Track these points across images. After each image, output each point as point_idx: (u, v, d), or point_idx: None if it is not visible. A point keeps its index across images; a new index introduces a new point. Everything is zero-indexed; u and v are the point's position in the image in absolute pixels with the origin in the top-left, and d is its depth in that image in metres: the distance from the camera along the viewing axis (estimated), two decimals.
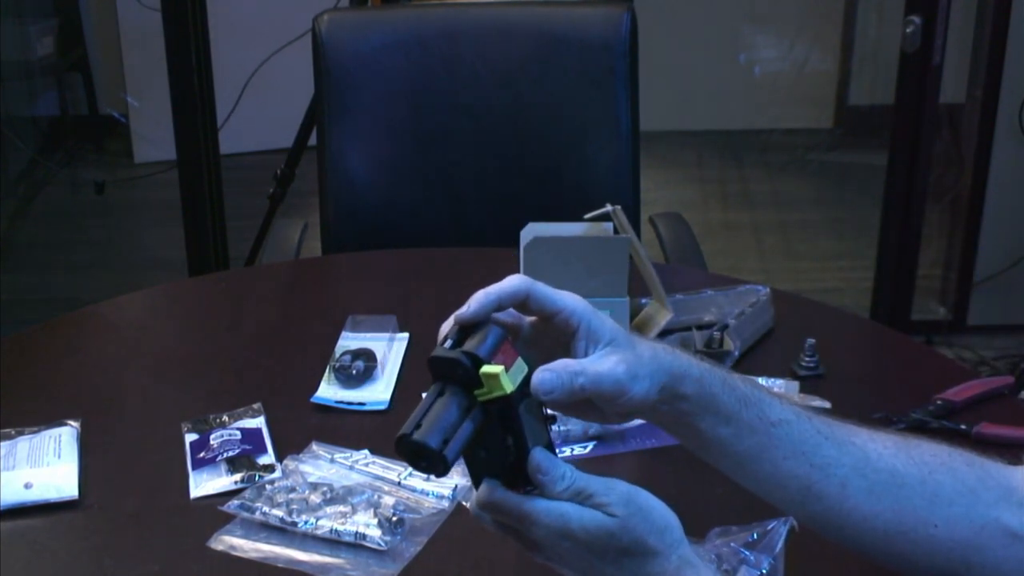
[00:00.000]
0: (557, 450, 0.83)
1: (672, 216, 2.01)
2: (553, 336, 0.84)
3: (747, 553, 0.81)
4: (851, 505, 0.86)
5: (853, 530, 0.87)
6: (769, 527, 0.81)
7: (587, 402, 0.84)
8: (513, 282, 0.83)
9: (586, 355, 0.83)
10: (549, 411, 0.83)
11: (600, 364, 0.82)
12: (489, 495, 0.80)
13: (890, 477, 0.86)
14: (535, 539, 0.79)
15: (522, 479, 0.80)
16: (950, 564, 0.86)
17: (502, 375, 0.78)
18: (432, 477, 1.11)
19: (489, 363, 0.78)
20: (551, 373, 0.80)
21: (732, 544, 0.82)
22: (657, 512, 0.79)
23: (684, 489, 1.12)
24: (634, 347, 0.84)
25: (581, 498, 0.78)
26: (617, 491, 0.78)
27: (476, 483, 0.81)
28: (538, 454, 0.79)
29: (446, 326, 0.82)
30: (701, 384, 0.85)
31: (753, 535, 0.82)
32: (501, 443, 0.80)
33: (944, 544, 0.86)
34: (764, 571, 0.81)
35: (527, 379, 0.80)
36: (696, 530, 0.88)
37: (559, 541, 0.78)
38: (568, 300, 0.84)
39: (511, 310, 0.84)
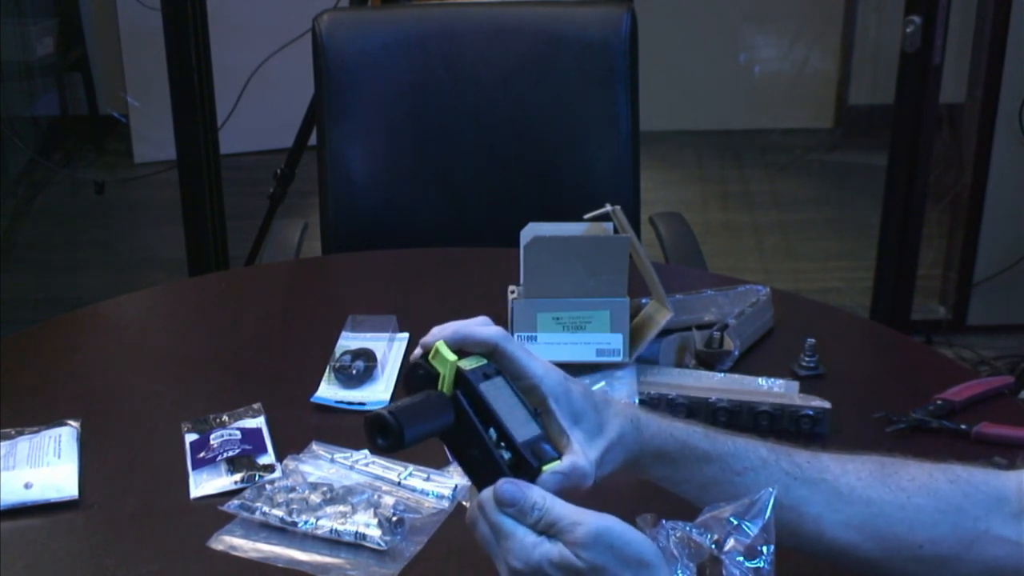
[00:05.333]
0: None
1: (672, 216, 2.01)
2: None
3: (737, 520, 0.82)
4: (829, 538, 0.88)
5: (836, 557, 0.89)
6: (756, 498, 0.83)
7: None
8: (489, 332, 0.85)
9: (559, 422, 0.84)
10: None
11: (581, 458, 0.84)
12: (484, 502, 0.79)
13: (865, 508, 0.87)
14: (514, 566, 0.78)
15: (523, 468, 0.81)
16: None
17: (441, 346, 0.82)
18: (430, 476, 1.12)
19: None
20: (513, 487, 0.80)
21: (722, 516, 0.84)
22: (632, 547, 0.77)
23: None
24: (602, 430, 0.86)
25: (552, 532, 0.77)
26: (586, 527, 0.76)
27: (479, 490, 0.82)
28: (504, 485, 0.79)
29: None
30: (660, 455, 0.89)
31: (742, 507, 0.84)
32: (483, 437, 0.81)
33: (932, 561, 0.87)
34: (758, 545, 0.82)
35: (485, 368, 0.83)
36: None
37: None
38: (538, 368, 0.85)
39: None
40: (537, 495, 0.78)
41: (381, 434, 0.79)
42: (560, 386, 0.86)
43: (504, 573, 0.79)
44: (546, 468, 0.82)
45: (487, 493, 0.79)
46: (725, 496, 0.88)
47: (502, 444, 0.81)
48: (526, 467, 0.81)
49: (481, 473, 0.81)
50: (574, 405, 0.86)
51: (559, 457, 0.83)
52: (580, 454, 0.84)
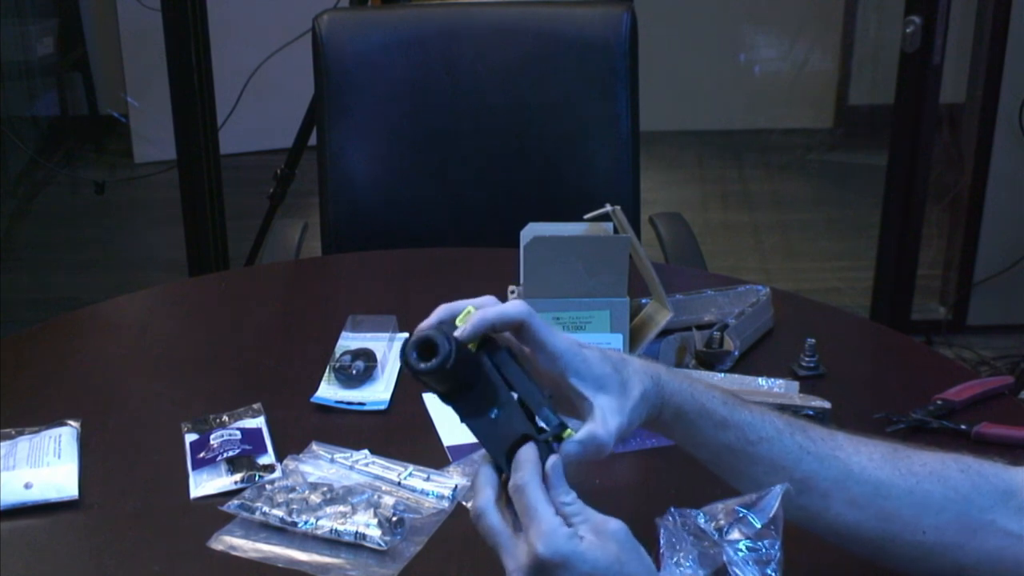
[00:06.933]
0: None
1: (672, 216, 2.01)
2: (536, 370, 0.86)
3: (743, 512, 0.83)
4: (834, 514, 0.89)
5: (838, 536, 0.90)
6: (764, 493, 0.84)
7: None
8: (515, 307, 0.84)
9: (580, 393, 0.85)
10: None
11: (600, 427, 0.84)
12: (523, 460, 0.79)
13: (874, 488, 0.88)
14: (528, 559, 0.77)
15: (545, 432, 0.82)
16: (941, 567, 0.88)
17: (472, 310, 0.83)
18: (430, 476, 1.12)
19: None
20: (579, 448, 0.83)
21: (729, 507, 0.84)
22: (648, 557, 0.78)
23: (684, 489, 1.12)
24: (625, 387, 0.86)
25: (580, 519, 0.78)
26: (616, 522, 0.78)
27: (498, 457, 0.81)
28: (553, 461, 0.80)
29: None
30: (679, 414, 0.89)
31: (749, 499, 0.84)
32: (509, 396, 0.82)
33: (934, 548, 0.87)
34: (764, 538, 0.82)
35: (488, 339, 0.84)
36: None
37: (554, 570, 0.76)
38: (560, 342, 0.85)
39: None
40: (572, 492, 0.80)
41: (429, 354, 0.79)
42: (578, 356, 0.85)
43: (522, 556, 0.77)
44: (565, 435, 0.82)
45: (528, 473, 0.78)
46: (739, 463, 0.90)
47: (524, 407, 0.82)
48: (549, 430, 0.81)
49: (497, 435, 0.81)
50: (594, 371, 0.85)
51: (570, 428, 0.83)
52: (600, 423, 0.84)
